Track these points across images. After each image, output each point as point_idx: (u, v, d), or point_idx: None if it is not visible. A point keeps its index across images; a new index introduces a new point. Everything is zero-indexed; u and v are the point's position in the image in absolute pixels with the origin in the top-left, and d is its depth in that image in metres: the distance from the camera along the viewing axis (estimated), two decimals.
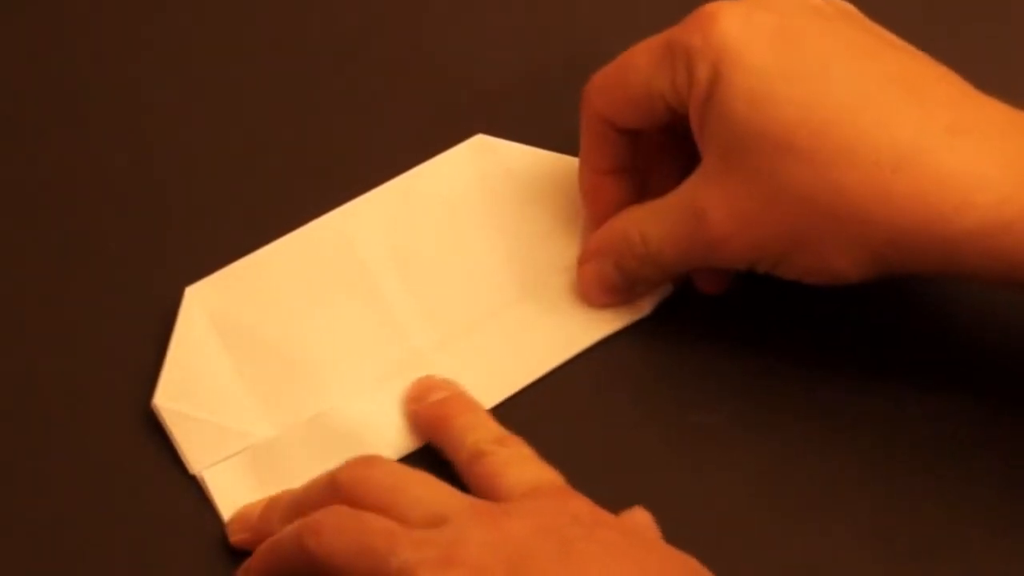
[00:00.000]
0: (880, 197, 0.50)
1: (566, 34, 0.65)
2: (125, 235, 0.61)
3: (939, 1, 0.66)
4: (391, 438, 0.56)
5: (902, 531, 0.54)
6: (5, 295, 0.59)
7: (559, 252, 0.59)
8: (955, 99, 0.51)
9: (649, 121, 0.56)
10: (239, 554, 0.54)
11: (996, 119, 0.51)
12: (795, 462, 0.55)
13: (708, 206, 0.53)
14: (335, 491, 0.51)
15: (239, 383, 0.57)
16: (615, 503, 0.52)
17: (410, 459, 0.55)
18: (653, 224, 0.55)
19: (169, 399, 0.56)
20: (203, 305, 0.58)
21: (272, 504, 0.54)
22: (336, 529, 0.49)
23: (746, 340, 0.57)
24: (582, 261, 0.58)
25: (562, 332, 0.58)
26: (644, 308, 0.58)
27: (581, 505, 0.51)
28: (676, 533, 0.52)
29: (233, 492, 0.55)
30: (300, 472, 0.55)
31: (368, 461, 0.52)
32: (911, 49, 0.54)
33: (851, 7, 0.55)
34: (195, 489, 0.55)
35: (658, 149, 0.58)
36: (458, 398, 0.56)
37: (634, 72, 0.55)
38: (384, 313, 0.58)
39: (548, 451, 0.54)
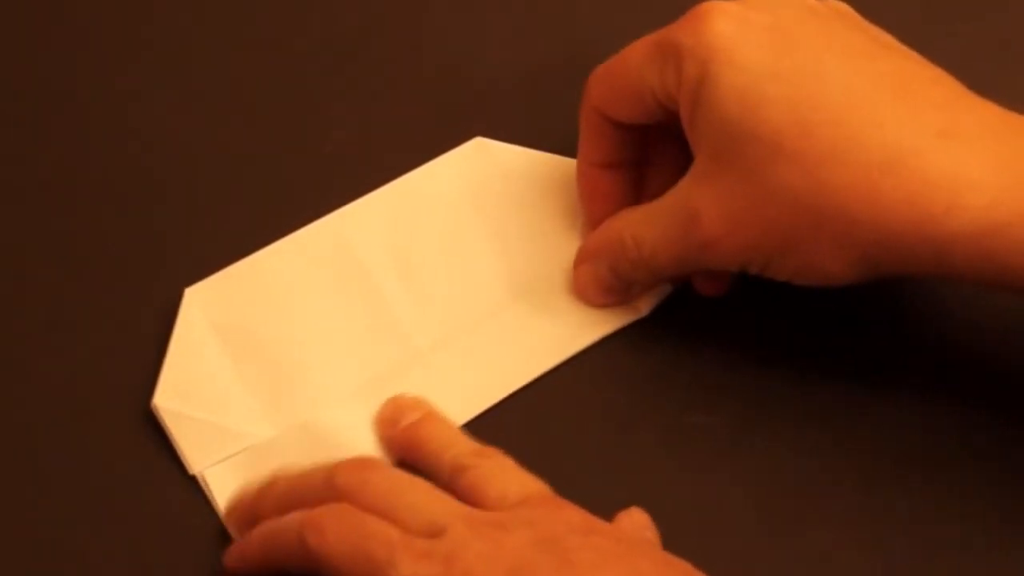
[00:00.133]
0: (869, 198, 0.50)
1: (566, 35, 0.65)
2: (125, 235, 0.61)
3: (937, 1, 0.66)
4: None
5: (898, 533, 0.54)
6: (5, 295, 0.59)
7: (557, 254, 0.59)
8: (948, 101, 0.51)
9: (643, 117, 0.56)
10: None
11: (989, 122, 0.51)
12: (791, 463, 0.55)
13: (701, 206, 0.53)
14: (333, 490, 0.51)
15: (238, 384, 0.57)
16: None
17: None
18: (647, 227, 0.55)
19: (169, 399, 0.56)
20: (203, 306, 0.58)
21: (266, 491, 0.54)
22: (338, 531, 0.49)
23: (743, 342, 0.57)
24: (578, 262, 0.58)
25: (560, 333, 0.58)
26: (642, 310, 0.58)
27: (573, 514, 0.50)
28: (673, 534, 0.52)
29: (233, 492, 0.55)
30: None
31: (366, 464, 0.52)
32: (905, 50, 0.54)
33: (847, 7, 0.55)
34: (195, 489, 0.55)
35: (656, 145, 0.58)
36: (429, 418, 0.55)
37: (627, 67, 0.55)
38: (383, 314, 0.58)
39: (546, 451, 0.54)
